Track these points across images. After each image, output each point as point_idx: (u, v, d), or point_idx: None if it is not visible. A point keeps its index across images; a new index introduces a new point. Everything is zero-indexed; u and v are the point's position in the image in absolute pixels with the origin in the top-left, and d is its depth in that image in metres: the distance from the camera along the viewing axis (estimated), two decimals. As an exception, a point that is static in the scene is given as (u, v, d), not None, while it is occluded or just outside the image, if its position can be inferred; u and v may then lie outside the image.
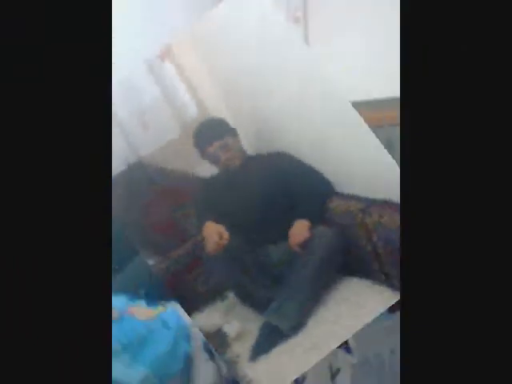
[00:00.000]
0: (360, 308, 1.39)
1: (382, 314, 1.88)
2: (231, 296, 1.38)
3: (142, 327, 1.18)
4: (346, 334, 1.37)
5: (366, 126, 1.50)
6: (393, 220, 1.37)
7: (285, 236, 1.47)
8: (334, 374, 1.56)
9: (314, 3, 2.54)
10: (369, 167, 1.45)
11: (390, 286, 1.37)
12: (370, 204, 1.45)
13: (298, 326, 1.34)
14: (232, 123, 1.65)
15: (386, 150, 1.44)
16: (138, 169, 1.53)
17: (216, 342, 1.30)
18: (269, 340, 1.33)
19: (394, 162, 1.39)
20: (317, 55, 2.48)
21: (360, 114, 2.71)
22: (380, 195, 1.42)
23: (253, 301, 1.39)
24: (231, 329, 1.30)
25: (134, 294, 1.32)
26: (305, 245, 1.45)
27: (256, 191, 1.60)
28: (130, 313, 1.21)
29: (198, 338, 1.24)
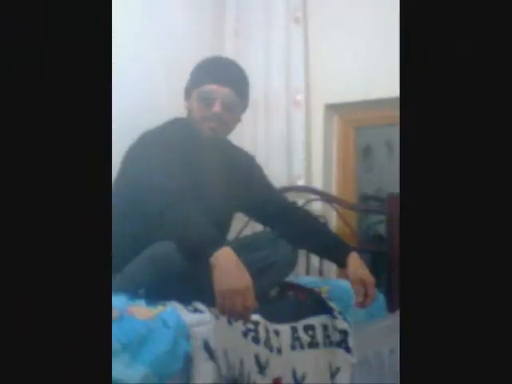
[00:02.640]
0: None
1: (381, 314, 1.88)
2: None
3: (142, 327, 1.18)
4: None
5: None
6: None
7: None
8: (333, 373, 1.56)
9: (313, 3, 2.54)
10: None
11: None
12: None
13: None
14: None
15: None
16: None
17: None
18: None
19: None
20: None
21: (360, 113, 2.71)
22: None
23: None
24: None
25: (133, 293, 1.32)
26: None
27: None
28: (129, 312, 1.21)
29: (198, 338, 1.24)
